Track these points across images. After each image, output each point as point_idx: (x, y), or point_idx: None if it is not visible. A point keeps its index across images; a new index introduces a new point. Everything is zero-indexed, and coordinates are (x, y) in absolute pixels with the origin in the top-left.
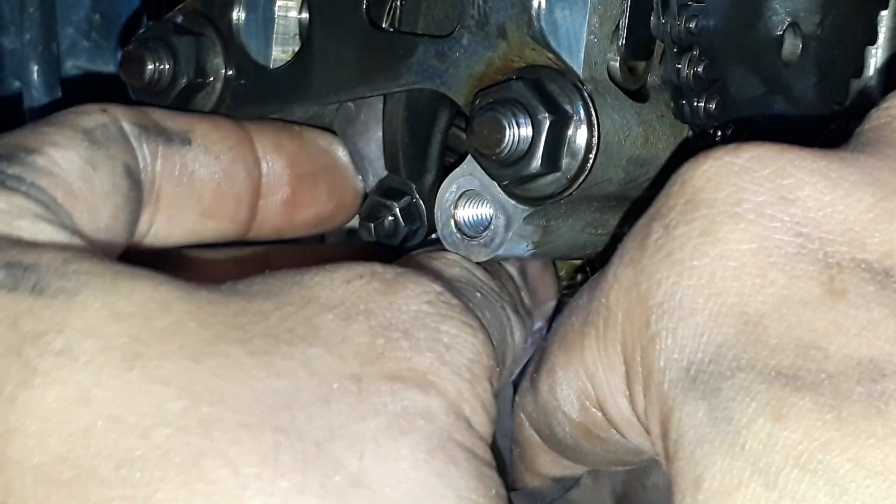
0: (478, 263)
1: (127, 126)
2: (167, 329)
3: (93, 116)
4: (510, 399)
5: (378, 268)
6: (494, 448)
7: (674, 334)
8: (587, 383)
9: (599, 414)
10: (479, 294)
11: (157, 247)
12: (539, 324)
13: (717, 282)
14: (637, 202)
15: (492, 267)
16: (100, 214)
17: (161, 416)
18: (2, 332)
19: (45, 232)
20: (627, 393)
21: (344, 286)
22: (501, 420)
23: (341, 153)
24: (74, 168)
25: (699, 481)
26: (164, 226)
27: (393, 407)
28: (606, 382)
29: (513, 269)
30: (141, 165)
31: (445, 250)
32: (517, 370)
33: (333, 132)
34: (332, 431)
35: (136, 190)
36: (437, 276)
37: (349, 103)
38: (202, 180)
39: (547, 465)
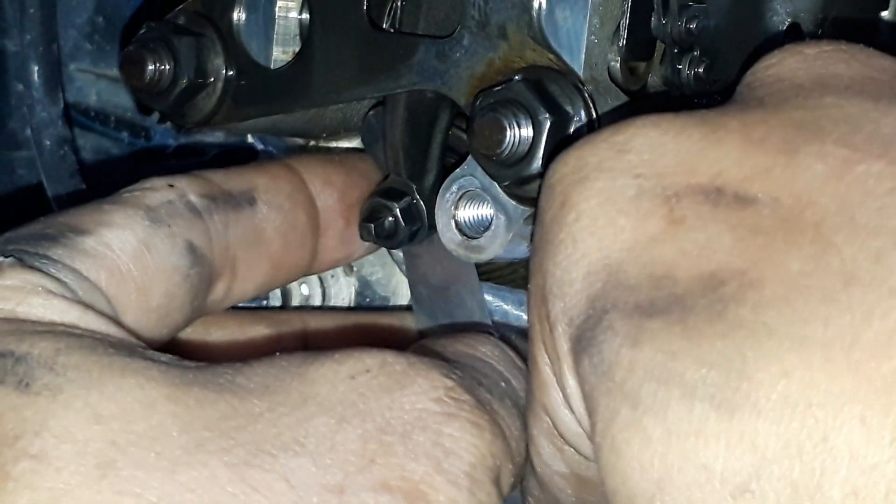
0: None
1: (195, 199)
2: (147, 433)
3: (159, 193)
4: None
5: (389, 358)
6: None
7: (564, 311)
8: (546, 417)
9: (569, 448)
10: (502, 384)
11: (231, 305)
12: None
13: (580, 245)
14: None
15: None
16: (151, 294)
17: None
18: None
19: (56, 308)
20: (561, 399)
21: (347, 382)
22: None
23: (379, 174)
24: (127, 249)
25: (593, 428)
26: (240, 287)
27: None
28: (550, 402)
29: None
30: (214, 238)
31: (481, 331)
32: None
33: (362, 150)
34: None
35: (200, 266)
36: (454, 367)
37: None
38: (270, 236)
39: None
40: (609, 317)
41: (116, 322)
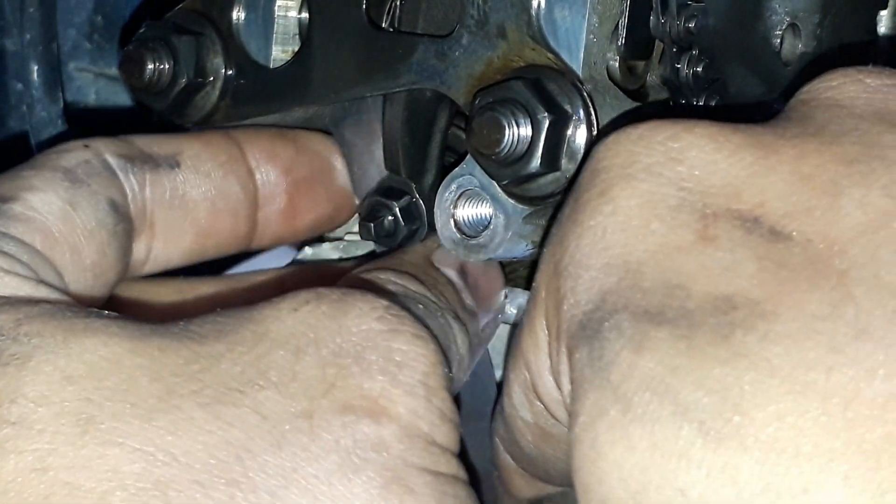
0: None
1: (111, 159)
2: (118, 387)
3: (74, 154)
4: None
5: (323, 290)
6: (465, 452)
7: (573, 292)
8: (526, 373)
9: (540, 404)
10: (420, 306)
11: (158, 271)
12: (487, 318)
13: (608, 236)
14: None
15: (428, 274)
16: (84, 253)
17: (117, 480)
18: None
19: (8, 286)
20: (550, 366)
21: (292, 315)
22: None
23: (336, 154)
24: (53, 210)
25: (576, 417)
26: (163, 250)
27: (345, 442)
28: (536, 363)
29: (451, 272)
30: (129, 196)
31: (376, 268)
32: (464, 377)
33: (327, 132)
34: (286, 478)
35: (124, 223)
36: (381, 291)
37: None
38: (195, 201)
39: (522, 487)
40: (618, 316)
41: (65, 292)
